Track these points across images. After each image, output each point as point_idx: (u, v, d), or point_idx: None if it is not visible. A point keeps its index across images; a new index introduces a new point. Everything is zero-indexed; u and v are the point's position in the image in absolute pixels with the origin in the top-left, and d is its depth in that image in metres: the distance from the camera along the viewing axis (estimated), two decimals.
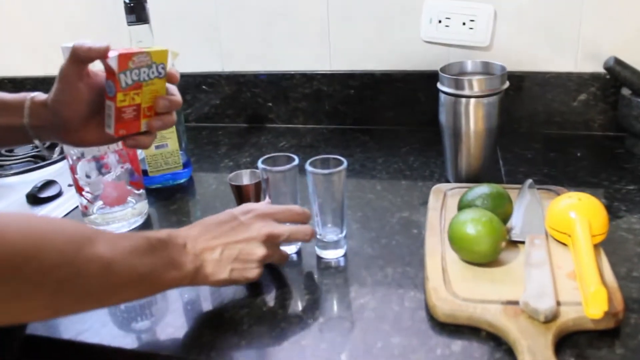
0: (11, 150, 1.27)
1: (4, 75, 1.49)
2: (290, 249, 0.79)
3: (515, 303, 0.63)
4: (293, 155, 0.78)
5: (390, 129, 1.25)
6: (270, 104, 1.31)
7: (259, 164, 0.76)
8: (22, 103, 0.70)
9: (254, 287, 0.72)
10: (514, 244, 0.74)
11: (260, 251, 0.67)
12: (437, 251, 0.74)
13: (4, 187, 1.10)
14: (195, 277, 0.64)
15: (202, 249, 0.65)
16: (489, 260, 0.70)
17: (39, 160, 1.20)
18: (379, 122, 1.26)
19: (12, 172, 1.15)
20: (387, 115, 1.25)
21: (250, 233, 0.68)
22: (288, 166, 0.76)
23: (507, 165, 1.04)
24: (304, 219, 0.74)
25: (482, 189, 0.77)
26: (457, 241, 0.70)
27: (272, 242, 0.69)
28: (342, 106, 1.27)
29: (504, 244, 0.69)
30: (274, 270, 0.76)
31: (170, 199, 0.98)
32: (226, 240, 0.67)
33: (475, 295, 0.65)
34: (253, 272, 0.67)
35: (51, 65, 1.46)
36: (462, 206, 0.77)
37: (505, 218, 0.76)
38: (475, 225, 0.68)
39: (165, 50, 0.70)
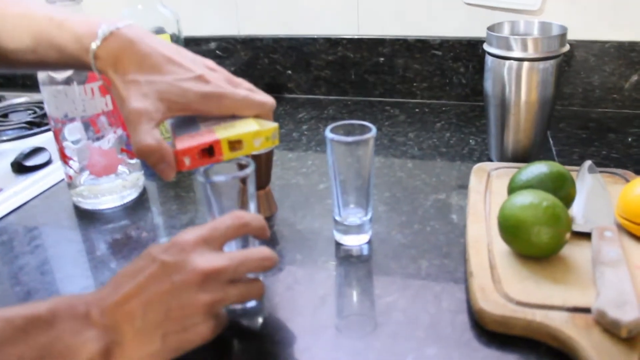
0: (5, 116, 1.17)
1: None
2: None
3: (586, 311, 0.49)
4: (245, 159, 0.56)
5: (423, 102, 1.11)
6: (289, 72, 1.18)
7: (199, 175, 0.54)
8: (85, 58, 0.55)
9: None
10: (576, 235, 0.60)
11: (202, 297, 0.46)
12: (482, 241, 0.61)
13: None
14: None
15: (114, 314, 0.44)
16: (550, 254, 0.56)
17: (34, 127, 1.09)
18: (411, 94, 1.12)
19: (3, 138, 1.04)
20: (421, 86, 1.11)
21: (180, 275, 0.46)
22: (233, 175, 0.54)
23: (558, 146, 0.90)
24: (259, 230, 0.52)
25: (540, 167, 0.64)
26: (510, 230, 0.56)
27: (216, 279, 0.47)
28: (370, 76, 1.13)
29: (568, 235, 0.56)
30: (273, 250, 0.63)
31: None
32: (147, 295, 0.45)
33: (534, 298, 0.52)
34: (199, 329, 0.46)
35: None
36: (514, 188, 0.64)
37: (567, 204, 0.62)
38: (534, 211, 0.55)
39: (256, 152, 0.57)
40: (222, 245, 0.50)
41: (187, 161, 0.52)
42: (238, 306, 0.56)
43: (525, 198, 0.56)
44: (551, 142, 0.91)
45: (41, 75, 0.71)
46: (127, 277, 0.46)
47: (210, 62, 0.57)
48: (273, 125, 0.54)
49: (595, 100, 1.04)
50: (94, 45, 0.53)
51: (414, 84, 1.11)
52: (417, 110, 1.07)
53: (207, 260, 0.47)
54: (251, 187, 0.55)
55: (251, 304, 0.56)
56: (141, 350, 0.44)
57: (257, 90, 0.58)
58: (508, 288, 0.53)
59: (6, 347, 0.40)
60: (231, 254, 0.49)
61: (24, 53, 0.58)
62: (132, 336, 0.44)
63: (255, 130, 0.53)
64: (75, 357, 0.42)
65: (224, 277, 0.47)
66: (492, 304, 0.51)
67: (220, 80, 0.55)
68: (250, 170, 0.54)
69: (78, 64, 0.56)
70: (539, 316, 0.49)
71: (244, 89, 0.56)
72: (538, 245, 0.55)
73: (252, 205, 0.57)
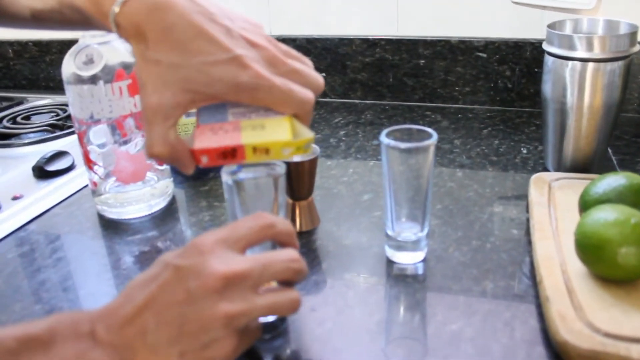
0: (28, 118, 1.12)
1: (29, 38, 1.34)
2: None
3: None
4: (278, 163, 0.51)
5: (466, 107, 1.05)
6: (324, 75, 1.12)
7: (223, 173, 0.51)
8: (107, 24, 0.47)
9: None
10: None
11: (223, 307, 0.39)
12: (554, 261, 0.54)
13: (14, 158, 0.94)
14: None
15: (123, 330, 0.39)
16: (637, 278, 0.49)
17: (56, 130, 1.04)
18: (453, 99, 1.06)
19: (25, 141, 1.00)
20: (464, 90, 1.05)
21: (196, 280, 0.39)
22: (265, 173, 0.50)
23: (618, 155, 0.83)
24: (286, 234, 0.45)
25: (617, 179, 0.57)
26: (591, 250, 0.50)
27: (239, 286, 0.40)
28: (409, 79, 1.07)
29: None
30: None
31: (201, 179, 0.80)
32: (159, 306, 0.39)
33: (624, 329, 0.45)
34: (221, 346, 0.39)
35: None
36: (588, 202, 0.57)
37: None
38: (620, 228, 0.48)
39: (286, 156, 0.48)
40: (244, 249, 0.43)
41: (204, 160, 0.46)
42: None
43: (608, 214, 0.50)
44: (609, 151, 0.84)
45: (66, 74, 0.66)
46: (137, 288, 0.41)
47: (250, 32, 0.48)
48: (307, 136, 0.47)
49: None
50: (113, 11, 0.45)
51: (456, 88, 1.05)
52: (460, 115, 1.01)
53: (226, 263, 0.40)
54: (281, 193, 0.49)
55: (293, 323, 0.50)
56: None
57: (304, 70, 0.49)
58: (592, 316, 0.47)
59: None
60: (254, 257, 0.42)
61: (51, 13, 0.52)
62: (145, 354, 0.38)
63: (285, 141, 0.46)
64: None
65: (247, 282, 0.40)
66: (576, 335, 0.45)
67: (260, 62, 0.46)
68: (281, 171, 0.48)
69: (105, 30, 0.49)
70: (634, 352, 0.43)
71: (288, 74, 0.47)
72: (625, 268, 0.48)
73: (282, 214, 0.51)
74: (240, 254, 0.42)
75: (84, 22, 0.50)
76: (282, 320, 0.51)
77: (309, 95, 0.48)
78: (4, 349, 0.36)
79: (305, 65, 0.50)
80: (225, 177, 0.49)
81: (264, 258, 0.42)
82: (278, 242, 0.46)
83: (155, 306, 0.39)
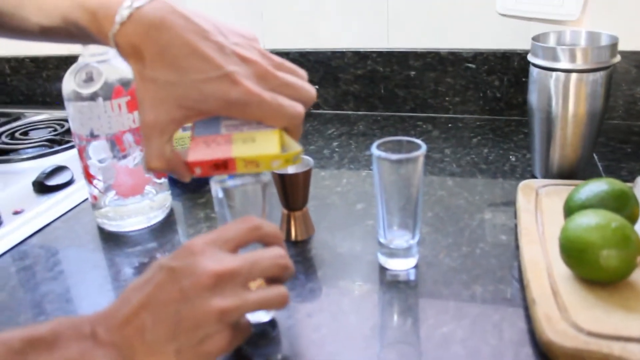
0: (26, 133, 1.14)
1: (26, 54, 1.36)
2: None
3: None
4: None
5: (456, 117, 1.07)
6: (317, 87, 1.14)
7: (212, 182, 0.53)
8: (109, 44, 0.49)
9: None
10: None
11: (215, 302, 0.41)
12: (540, 265, 0.56)
13: (13, 173, 0.95)
14: None
15: (123, 330, 0.41)
16: (619, 279, 0.52)
17: (54, 145, 1.06)
18: (444, 109, 1.08)
19: (24, 156, 1.01)
20: (454, 100, 1.07)
21: (189, 279, 0.42)
22: (249, 179, 0.52)
23: (603, 161, 0.85)
24: (272, 236, 0.48)
25: (599, 185, 0.59)
26: (575, 253, 0.52)
27: (230, 282, 0.43)
28: (400, 90, 1.10)
29: (639, 259, 0.51)
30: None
31: (199, 191, 0.82)
32: (155, 306, 0.41)
33: (607, 328, 0.47)
34: (215, 340, 0.41)
35: None
36: (572, 207, 0.59)
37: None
38: (602, 232, 0.50)
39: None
40: (234, 249, 0.46)
41: (198, 171, 0.49)
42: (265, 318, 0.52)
43: (590, 219, 0.52)
44: (595, 157, 0.86)
45: (66, 91, 0.68)
46: (134, 290, 0.43)
47: (243, 47, 0.49)
48: (295, 149, 0.49)
49: (638, 113, 0.99)
50: (112, 32, 0.47)
51: (447, 98, 1.07)
52: (450, 125, 1.03)
53: (217, 262, 0.43)
54: (268, 200, 0.52)
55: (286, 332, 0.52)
56: None
57: (295, 82, 0.50)
58: (576, 317, 0.49)
59: None
60: (243, 255, 0.45)
61: (58, 30, 0.53)
62: (144, 352, 0.40)
63: (273, 154, 0.48)
64: None
65: (237, 279, 0.43)
66: (561, 335, 0.47)
67: (250, 78, 0.48)
68: (266, 179, 0.51)
69: (107, 46, 0.50)
70: (616, 349, 0.45)
71: (279, 88, 0.49)
72: (606, 270, 0.50)
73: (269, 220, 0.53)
74: (230, 254, 0.45)
75: (88, 38, 0.52)
76: (273, 325, 0.53)
77: (298, 109, 0.49)
78: (11, 349, 0.37)
79: (298, 76, 0.51)
80: (215, 186, 0.51)
81: (252, 256, 0.45)
82: (265, 243, 0.48)
83: (152, 306, 0.41)
